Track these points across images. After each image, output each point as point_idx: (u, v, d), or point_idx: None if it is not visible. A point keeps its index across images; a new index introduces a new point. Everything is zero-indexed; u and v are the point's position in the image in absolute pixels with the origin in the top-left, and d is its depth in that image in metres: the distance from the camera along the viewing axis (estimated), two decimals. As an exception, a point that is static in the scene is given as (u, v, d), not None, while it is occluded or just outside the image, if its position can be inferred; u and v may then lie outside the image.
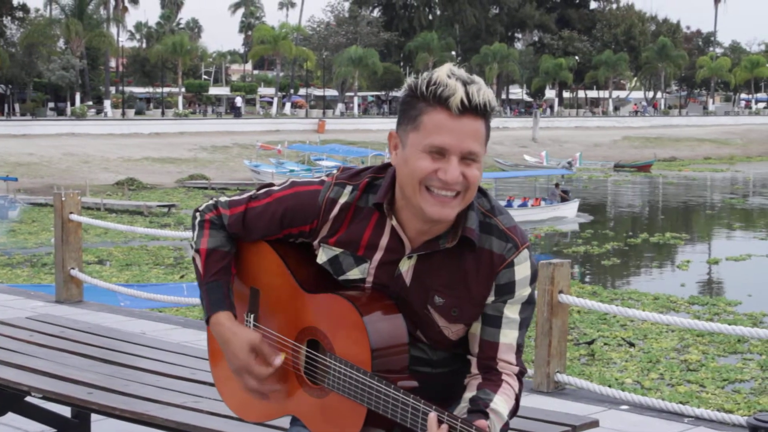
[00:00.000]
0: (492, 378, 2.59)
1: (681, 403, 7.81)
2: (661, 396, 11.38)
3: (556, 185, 40.24)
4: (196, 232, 2.82)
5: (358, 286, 2.65)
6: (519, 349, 2.65)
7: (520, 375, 2.65)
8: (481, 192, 2.65)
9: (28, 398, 4.42)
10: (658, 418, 5.90)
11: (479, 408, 2.50)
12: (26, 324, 5.03)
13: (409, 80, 2.54)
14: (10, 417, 4.78)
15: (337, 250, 2.66)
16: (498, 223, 2.61)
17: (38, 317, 5.30)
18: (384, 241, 2.62)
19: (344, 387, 2.55)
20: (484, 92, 2.48)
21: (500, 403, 2.53)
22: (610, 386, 7.37)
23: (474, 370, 2.64)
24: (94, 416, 4.73)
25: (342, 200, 2.64)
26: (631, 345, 15.20)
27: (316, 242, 2.70)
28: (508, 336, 2.62)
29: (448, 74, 2.48)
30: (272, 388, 2.72)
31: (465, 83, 2.47)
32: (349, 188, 2.65)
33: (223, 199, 2.84)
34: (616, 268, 26.10)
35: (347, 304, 2.57)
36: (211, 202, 2.86)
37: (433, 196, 2.49)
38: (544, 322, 6.48)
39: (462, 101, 2.45)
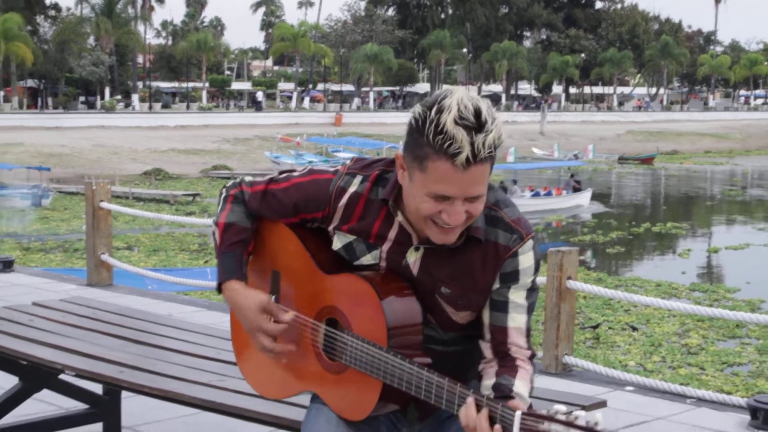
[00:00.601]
0: (507, 364, 2.58)
1: (682, 384, 7.80)
2: (662, 378, 11.36)
3: (572, 176, 40.39)
4: (219, 206, 2.84)
5: (373, 269, 2.65)
6: (528, 333, 2.64)
7: (532, 358, 2.64)
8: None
9: (61, 376, 4.43)
10: (662, 399, 5.89)
11: (504, 394, 2.49)
12: (60, 306, 5.04)
13: (418, 110, 2.41)
14: (45, 393, 4.80)
15: (351, 237, 2.65)
16: (504, 215, 2.58)
17: (71, 299, 5.30)
18: (392, 233, 2.61)
19: (361, 362, 2.55)
20: (490, 139, 2.36)
21: (521, 386, 2.53)
22: (614, 368, 7.35)
23: (488, 355, 2.62)
24: (124, 393, 4.74)
25: (351, 189, 2.64)
26: (634, 329, 15.17)
27: (330, 229, 2.70)
28: (517, 320, 2.61)
29: (455, 120, 2.34)
30: (285, 348, 2.72)
31: (472, 132, 2.34)
32: (359, 178, 2.64)
33: (247, 178, 2.86)
34: (620, 256, 26.06)
35: (365, 284, 2.57)
36: (237, 180, 2.87)
37: (437, 227, 2.47)
38: (552, 307, 6.46)
39: (468, 158, 2.35)
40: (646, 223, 32.20)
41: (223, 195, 2.85)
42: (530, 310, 2.64)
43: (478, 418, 2.35)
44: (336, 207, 2.65)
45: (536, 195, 38.20)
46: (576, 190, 38.63)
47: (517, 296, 2.60)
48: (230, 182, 2.89)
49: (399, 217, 2.59)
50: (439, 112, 2.35)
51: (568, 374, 6.43)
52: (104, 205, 9.29)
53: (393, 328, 2.52)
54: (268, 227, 2.83)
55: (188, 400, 3.63)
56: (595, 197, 40.71)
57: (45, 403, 5.26)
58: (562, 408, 2.19)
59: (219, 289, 2.80)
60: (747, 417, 5.37)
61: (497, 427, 2.32)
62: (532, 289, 2.63)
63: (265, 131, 61.18)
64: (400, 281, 2.61)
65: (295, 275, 2.77)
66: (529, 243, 2.59)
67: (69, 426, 4.91)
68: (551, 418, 2.18)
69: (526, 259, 2.59)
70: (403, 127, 2.55)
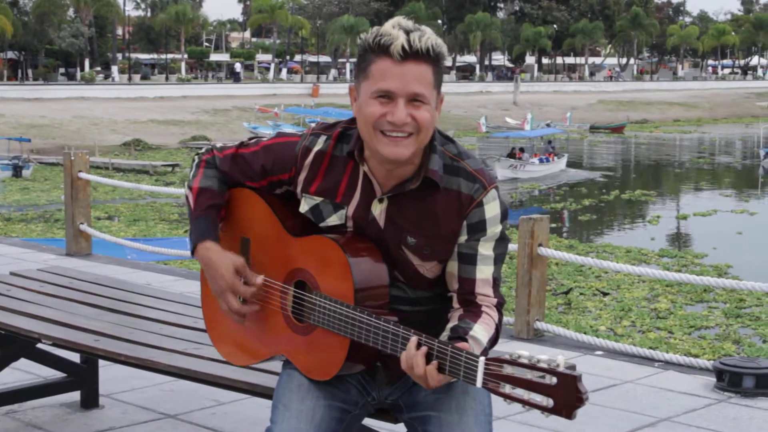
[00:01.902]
0: (473, 310, 2.57)
1: (651, 348, 7.83)
2: (632, 342, 11.41)
3: (549, 142, 40.97)
4: (192, 172, 2.85)
5: (340, 231, 2.65)
6: (495, 283, 2.62)
7: (499, 306, 2.63)
8: (448, 139, 2.65)
9: (39, 345, 4.40)
10: (630, 363, 5.91)
11: (459, 335, 2.48)
12: (38, 275, 5.00)
13: (362, 36, 2.56)
14: (23, 362, 4.77)
15: (318, 199, 2.66)
16: (465, 166, 2.60)
17: (49, 269, 5.26)
18: (358, 187, 2.62)
19: (329, 321, 2.54)
20: (427, 38, 2.47)
21: (480, 331, 2.50)
22: (585, 333, 7.38)
23: (455, 305, 2.62)
24: (101, 362, 4.71)
25: (316, 148, 2.65)
26: (605, 294, 15.24)
27: (298, 191, 2.70)
28: (484, 272, 2.60)
29: (393, 25, 2.49)
30: (252, 309, 2.70)
31: (408, 32, 2.47)
32: (323, 138, 2.66)
33: (219, 144, 2.88)
34: (592, 223, 26.14)
35: (332, 243, 2.58)
36: (209, 146, 2.89)
37: (387, 137, 2.49)
38: (524, 274, 6.47)
39: (403, 47, 2.44)
40: (615, 191, 32.30)
41: (196, 161, 2.85)
42: (498, 260, 2.63)
43: (414, 355, 2.36)
44: (302, 166, 2.66)
45: (542, 161, 38.89)
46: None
47: (485, 248, 2.60)
48: (203, 149, 2.89)
49: (364, 167, 2.60)
50: (379, 26, 2.51)
51: (539, 339, 6.45)
52: (83, 175, 9.22)
53: (359, 283, 2.52)
54: (237, 195, 2.82)
55: (164, 368, 3.60)
56: (575, 165, 41.09)
57: (23, 372, 5.22)
58: (525, 353, 2.19)
59: (193, 251, 2.78)
60: (713, 379, 5.40)
61: (434, 363, 2.33)
62: (501, 239, 2.62)
63: (243, 102, 60.92)
64: (367, 242, 2.61)
65: (264, 241, 2.76)
66: (493, 192, 2.59)
67: (47, 394, 4.88)
68: (514, 362, 2.18)
69: (491, 208, 2.59)
70: None
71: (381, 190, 2.60)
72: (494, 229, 2.59)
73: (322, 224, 2.66)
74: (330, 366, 2.59)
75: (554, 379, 2.14)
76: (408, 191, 2.57)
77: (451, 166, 2.59)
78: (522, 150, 39.64)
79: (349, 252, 2.55)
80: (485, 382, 2.23)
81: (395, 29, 2.47)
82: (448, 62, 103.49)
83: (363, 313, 2.47)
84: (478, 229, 2.58)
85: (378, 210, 2.61)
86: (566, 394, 2.13)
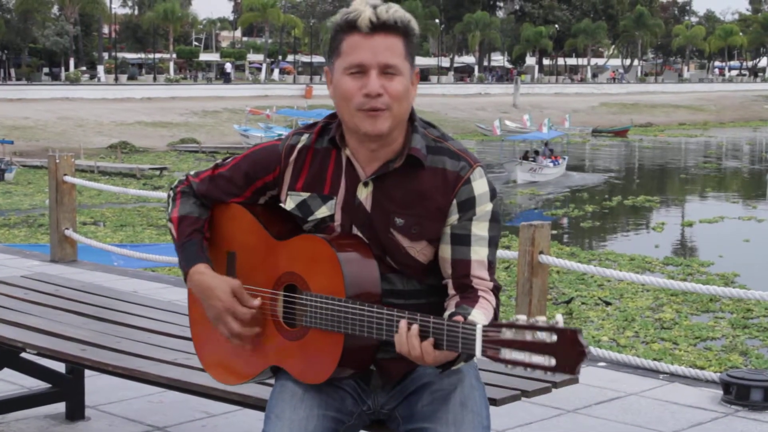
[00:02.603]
0: (469, 295, 2.58)
1: (655, 360, 7.83)
2: (635, 353, 11.42)
3: (546, 144, 41.13)
4: (169, 206, 2.87)
5: (326, 227, 2.68)
6: (491, 266, 2.64)
7: (496, 290, 2.64)
8: (429, 124, 2.71)
9: (23, 354, 4.40)
10: (634, 375, 5.91)
11: None
12: (21, 282, 5.00)
13: (332, 18, 2.64)
14: (6, 372, 4.76)
15: (305, 195, 2.70)
16: (449, 146, 2.66)
17: (33, 276, 5.26)
18: (343, 173, 2.67)
19: (321, 320, 2.56)
20: (395, 11, 2.55)
21: (478, 315, 2.51)
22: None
23: (451, 291, 2.64)
24: (87, 372, 4.71)
25: (300, 145, 2.72)
26: (608, 304, 15.25)
27: (284, 191, 2.74)
28: (479, 253, 2.62)
29: (360, 2, 2.57)
30: (253, 331, 2.71)
31: (375, 6, 2.55)
32: (305, 135, 2.73)
33: (192, 172, 2.91)
34: (594, 230, 26.16)
35: (319, 240, 2.61)
36: (182, 177, 2.93)
37: (364, 112, 2.55)
38: (524, 282, 6.47)
39: (370, 19, 2.52)
40: (617, 197, 32.34)
41: (171, 195, 2.89)
42: (493, 243, 2.65)
43: (408, 336, 2.38)
44: (287, 164, 2.72)
45: (555, 163, 39.46)
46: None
47: (479, 228, 2.62)
48: (175, 182, 2.93)
49: (346, 152, 2.66)
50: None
51: (540, 350, 6.44)
52: (68, 179, 9.22)
53: (350, 279, 2.54)
54: (220, 211, 2.85)
55: (153, 379, 3.61)
56: (577, 169, 41.24)
57: (6, 382, 5.22)
58: (522, 317, 2.22)
59: (186, 278, 2.80)
60: (720, 392, 5.41)
61: (429, 340, 2.36)
62: (494, 221, 2.65)
63: (234, 103, 60.88)
64: (354, 237, 2.65)
65: (250, 251, 2.78)
66: (479, 170, 2.64)
67: (31, 405, 4.88)
68: (512, 325, 2.21)
69: (479, 185, 2.63)
70: None
71: (365, 174, 2.65)
72: (485, 207, 2.63)
73: (309, 218, 2.69)
74: (325, 366, 2.59)
75: (554, 337, 2.16)
76: (392, 171, 2.63)
77: (434, 147, 2.65)
78: (537, 152, 39.81)
79: (337, 246, 2.58)
80: (484, 349, 2.25)
81: (362, 5, 2.55)
82: (446, 63, 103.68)
83: (355, 304, 2.50)
84: (469, 206, 2.62)
85: (364, 194, 2.65)
86: (567, 350, 2.16)
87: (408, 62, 2.58)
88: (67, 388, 4.85)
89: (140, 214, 26.37)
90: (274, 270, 2.70)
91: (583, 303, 15.29)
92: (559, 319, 2.18)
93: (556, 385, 3.46)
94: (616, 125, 68.47)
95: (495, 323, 2.25)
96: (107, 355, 3.80)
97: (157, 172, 37.33)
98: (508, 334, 2.22)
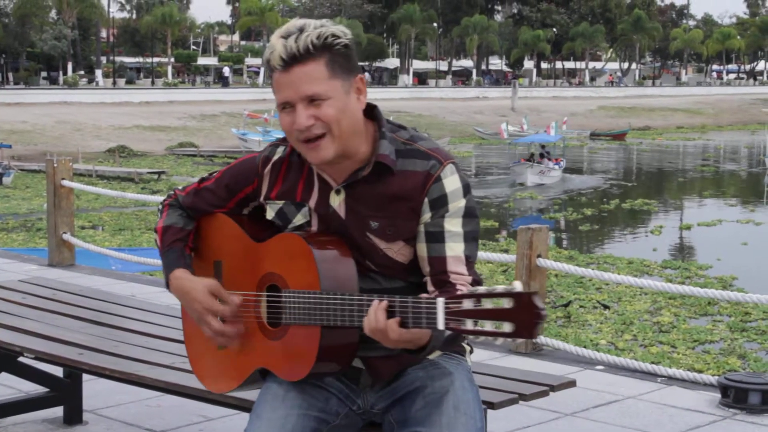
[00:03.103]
0: (447, 289, 2.58)
1: (653, 363, 7.83)
2: (634, 356, 11.41)
3: (543, 147, 41.23)
4: (158, 217, 2.97)
5: (304, 229, 2.73)
6: (469, 261, 2.64)
7: (475, 284, 2.63)
8: (400, 126, 2.73)
9: (20, 359, 4.40)
10: (632, 378, 5.91)
11: None
12: (19, 287, 5.00)
13: None
14: (4, 377, 4.77)
15: (280, 203, 2.76)
16: (419, 147, 2.67)
17: (31, 280, 5.26)
18: (315, 184, 2.71)
19: (299, 315, 2.59)
20: (306, 35, 2.53)
21: None
22: (585, 347, 7.39)
23: (430, 288, 2.64)
24: (85, 376, 4.71)
25: (275, 157, 2.78)
26: (606, 307, 15.25)
27: (262, 201, 2.80)
28: (454, 249, 2.63)
29: (276, 35, 2.58)
30: (234, 330, 2.75)
31: (287, 36, 2.54)
32: (281, 147, 2.79)
33: (180, 187, 3.00)
34: (592, 234, 26.16)
35: (294, 236, 2.67)
36: (170, 192, 3.02)
37: (306, 145, 2.59)
38: (522, 285, 6.46)
39: (281, 56, 2.54)
40: (615, 200, 32.34)
41: (160, 208, 2.98)
42: (469, 238, 2.66)
43: (375, 312, 2.40)
44: (263, 174, 2.78)
45: (559, 166, 39.60)
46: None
47: (452, 225, 2.63)
48: (165, 197, 3.03)
49: (314, 165, 2.70)
50: None
51: (538, 354, 6.45)
52: (66, 183, 9.23)
53: (325, 273, 2.57)
54: (207, 222, 2.92)
55: (151, 383, 3.61)
56: (576, 172, 41.26)
57: (4, 387, 5.21)
58: (481, 288, 2.24)
59: (168, 286, 2.87)
60: (718, 395, 5.41)
61: (396, 318, 2.37)
62: (469, 216, 2.66)
63: (232, 107, 60.89)
64: (331, 235, 2.68)
65: (235, 257, 2.83)
66: (450, 167, 2.64)
67: (29, 410, 4.87)
68: (471, 294, 2.23)
69: (451, 182, 2.63)
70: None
71: (335, 183, 2.68)
72: (457, 204, 2.64)
73: (289, 226, 2.75)
74: (304, 362, 2.62)
75: (511, 302, 2.18)
76: (362, 179, 2.65)
77: (404, 150, 2.67)
78: (542, 155, 39.82)
79: (311, 242, 2.62)
80: (447, 322, 2.26)
81: (275, 40, 2.57)
82: (444, 66, 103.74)
83: (330, 294, 2.53)
84: (440, 204, 2.63)
85: (337, 202, 2.68)
86: (524, 314, 2.17)
87: (337, 79, 2.56)
88: (64, 392, 4.85)
89: (138, 218, 26.36)
90: (257, 272, 2.75)
91: (581, 306, 15.28)
92: (517, 285, 2.19)
93: (553, 388, 3.46)
94: (614, 129, 68.49)
95: (456, 295, 2.27)
96: (105, 359, 3.80)
97: (155, 176, 37.30)
98: (468, 304, 2.23)
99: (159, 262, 8.91)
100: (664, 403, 5.39)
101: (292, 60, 2.54)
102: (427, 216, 2.63)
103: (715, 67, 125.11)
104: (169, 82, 77.65)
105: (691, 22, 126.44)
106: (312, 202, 2.71)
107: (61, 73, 77.67)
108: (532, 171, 37.57)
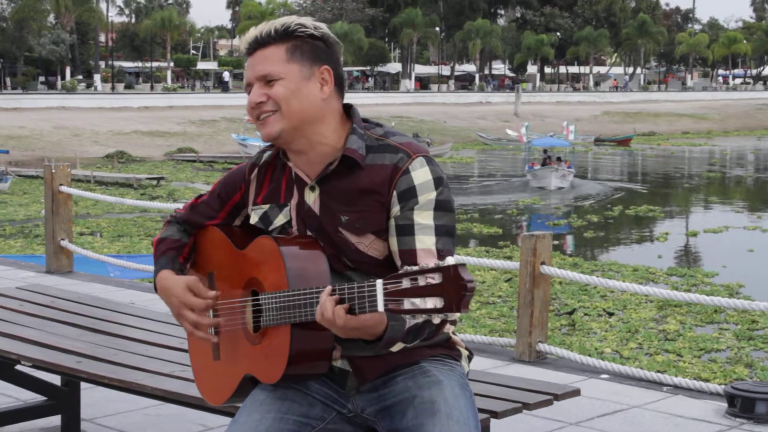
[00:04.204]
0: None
1: (659, 371, 7.83)
2: (639, 365, 11.40)
3: (545, 151, 41.26)
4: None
5: (285, 229, 2.79)
6: (440, 254, 2.64)
7: None
8: (375, 124, 2.80)
9: (18, 367, 4.40)
10: (638, 387, 5.91)
11: None
12: (16, 294, 5.01)
13: None
14: (1, 385, 4.77)
15: (265, 207, 2.84)
16: (390, 142, 2.73)
17: (28, 287, 5.27)
18: (294, 182, 2.79)
19: (272, 316, 2.64)
20: (272, 23, 2.73)
21: None
22: (590, 356, 7.38)
23: None
24: (83, 385, 4.71)
25: (261, 162, 2.88)
26: (611, 315, 15.23)
27: (249, 208, 2.88)
28: (425, 242, 2.64)
29: (253, 27, 2.79)
30: (211, 321, 2.82)
31: (257, 26, 2.74)
32: (267, 153, 2.88)
33: (181, 206, 3.11)
34: (597, 240, 26.15)
35: (267, 239, 2.72)
36: (173, 211, 3.14)
37: (258, 122, 2.74)
38: (526, 293, 6.47)
39: (248, 41, 2.75)
40: (618, 206, 32.34)
41: (162, 225, 3.10)
42: (442, 232, 2.67)
43: (324, 300, 2.43)
44: (250, 181, 2.88)
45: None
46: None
47: (422, 218, 2.65)
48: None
49: (290, 163, 2.80)
50: None
51: (542, 362, 6.45)
52: (64, 189, 9.23)
53: (293, 272, 2.61)
54: (202, 236, 3.01)
55: (150, 391, 3.61)
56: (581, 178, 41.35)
57: (1, 395, 5.22)
58: (415, 267, 2.25)
59: (156, 290, 2.96)
60: (724, 405, 5.40)
61: (343, 305, 2.40)
62: (442, 210, 2.67)
63: (232, 112, 60.83)
64: (306, 237, 2.75)
65: (224, 266, 2.89)
66: (420, 159, 2.68)
67: (26, 419, 4.87)
68: (407, 273, 2.23)
69: (419, 174, 2.67)
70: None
71: (310, 180, 2.76)
72: (427, 196, 2.66)
73: (270, 228, 2.81)
74: (278, 362, 2.64)
75: (440, 276, 2.19)
76: (332, 173, 2.72)
77: (375, 146, 2.73)
78: (559, 159, 39.84)
79: (281, 242, 2.68)
80: (386, 303, 2.28)
81: (251, 29, 2.76)
82: (446, 71, 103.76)
83: (297, 290, 2.56)
84: (409, 196, 2.66)
85: (312, 198, 2.75)
86: (452, 287, 2.18)
87: (295, 63, 2.71)
88: (62, 400, 4.85)
89: (137, 225, 26.36)
90: (242, 279, 2.81)
91: (585, 314, 15.27)
92: (449, 260, 2.20)
93: (558, 397, 3.46)
94: (618, 134, 68.45)
95: (394, 275, 2.28)
96: (103, 368, 3.80)
97: (154, 182, 37.31)
98: (406, 283, 2.24)
99: (158, 269, 8.75)
100: (670, 413, 5.39)
101: (255, 44, 2.73)
102: (396, 209, 2.67)
103: (721, 71, 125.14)
104: (168, 87, 77.72)
105: (697, 27, 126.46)
106: (293, 202, 2.79)
107: (59, 77, 77.73)
108: (556, 174, 37.52)
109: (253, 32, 2.74)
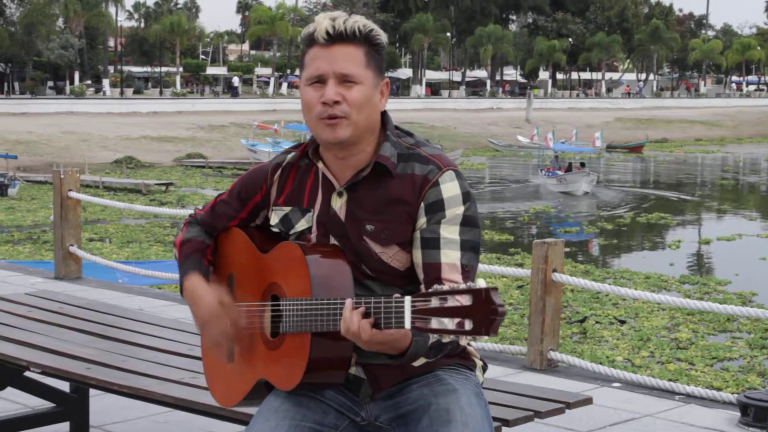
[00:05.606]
0: None
1: (671, 380, 7.82)
2: (651, 374, 11.38)
3: (556, 157, 41.21)
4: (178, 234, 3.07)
5: (305, 239, 2.78)
6: (465, 270, 2.64)
7: None
8: (406, 133, 2.79)
9: (27, 373, 4.41)
10: (650, 396, 5.90)
11: None
12: (25, 300, 5.02)
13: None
14: (10, 391, 4.77)
15: (287, 209, 2.82)
16: (421, 152, 2.73)
17: (37, 293, 5.28)
18: (320, 186, 2.77)
19: (293, 323, 2.63)
20: (354, 21, 2.66)
21: None
22: (601, 364, 7.37)
23: None
24: (92, 391, 4.72)
25: (285, 163, 2.86)
26: (623, 323, 15.21)
27: (270, 209, 2.87)
28: (450, 256, 2.64)
29: (321, 16, 2.69)
30: (230, 343, 2.84)
31: (334, 18, 2.66)
32: (291, 154, 2.87)
33: (200, 206, 3.11)
34: (609, 248, 26.11)
35: (293, 245, 2.71)
36: (192, 212, 3.12)
37: (324, 121, 2.66)
38: (537, 301, 6.47)
39: (326, 31, 2.64)
40: (629, 213, 32.29)
41: (180, 227, 3.09)
42: (467, 247, 2.67)
43: (351, 314, 2.43)
44: (272, 181, 2.85)
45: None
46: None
47: (448, 232, 2.65)
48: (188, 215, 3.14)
49: (319, 164, 2.77)
50: None
51: (553, 370, 6.45)
52: (73, 194, 9.25)
53: (317, 280, 2.60)
54: (223, 237, 3.00)
55: (159, 398, 3.62)
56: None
57: (9, 402, 5.23)
58: (444, 286, 2.25)
59: (182, 292, 2.96)
60: (737, 414, 5.39)
61: (369, 320, 2.40)
62: (468, 225, 2.67)
63: (242, 118, 60.95)
64: (330, 245, 2.73)
65: (245, 269, 2.89)
66: (450, 173, 2.68)
67: (35, 425, 4.88)
68: (437, 292, 2.23)
69: (449, 188, 2.67)
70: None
71: (339, 184, 2.74)
72: (455, 210, 2.66)
73: (291, 231, 2.80)
74: (295, 370, 2.64)
75: (470, 298, 2.19)
76: (363, 180, 2.70)
77: (406, 155, 2.72)
78: (583, 164, 39.82)
79: (307, 250, 2.67)
80: (413, 321, 2.28)
81: (322, 18, 2.68)
82: (457, 77, 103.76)
83: (321, 299, 2.56)
84: (436, 209, 2.66)
85: (338, 204, 2.73)
86: (482, 311, 2.18)
87: (371, 71, 2.67)
88: (71, 407, 4.86)
89: (146, 231, 26.40)
90: (262, 283, 2.81)
91: (597, 322, 15.25)
92: (480, 282, 2.20)
93: (569, 405, 3.46)
94: (630, 141, 68.35)
95: (423, 293, 2.28)
96: (112, 374, 3.81)
97: (163, 188, 37.36)
98: (435, 302, 2.24)
99: (167, 275, 8.90)
100: (682, 422, 5.38)
101: (338, 38, 2.65)
102: (422, 221, 2.66)
103: (734, 78, 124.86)
104: (177, 92, 77.83)
105: (710, 33, 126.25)
106: (317, 206, 2.77)
107: (67, 82, 77.91)
108: (587, 179, 37.50)
109: (330, 23, 2.65)
